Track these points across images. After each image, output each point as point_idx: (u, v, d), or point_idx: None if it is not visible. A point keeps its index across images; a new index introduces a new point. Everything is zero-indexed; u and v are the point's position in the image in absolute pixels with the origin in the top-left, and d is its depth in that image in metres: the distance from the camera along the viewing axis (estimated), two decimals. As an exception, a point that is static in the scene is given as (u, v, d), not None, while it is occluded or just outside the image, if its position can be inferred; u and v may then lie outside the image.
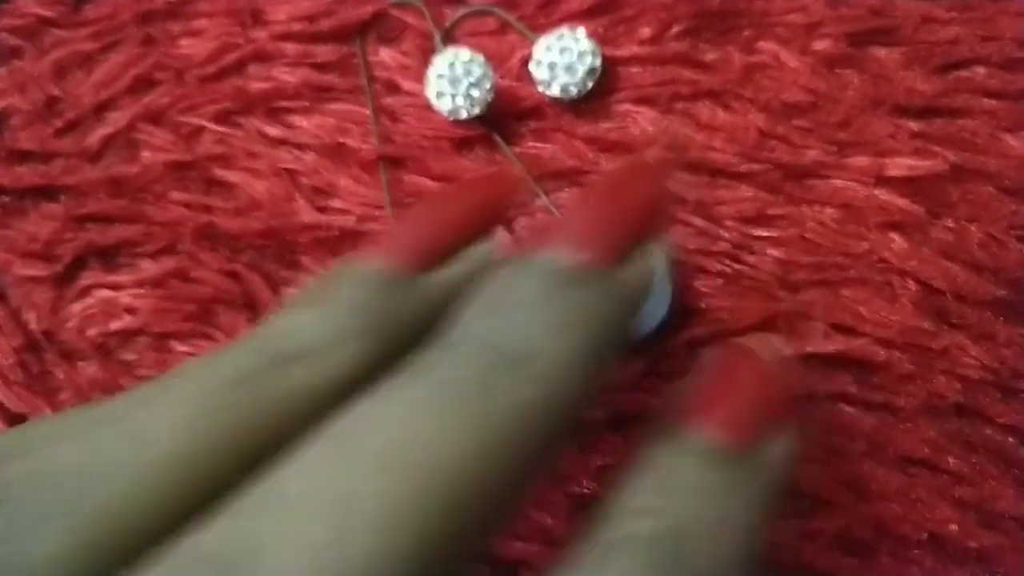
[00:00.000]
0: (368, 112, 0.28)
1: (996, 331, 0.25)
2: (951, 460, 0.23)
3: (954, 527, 0.23)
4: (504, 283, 0.15)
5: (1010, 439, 0.24)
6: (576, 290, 0.14)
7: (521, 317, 0.14)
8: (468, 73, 0.26)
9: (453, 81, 0.26)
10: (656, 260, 0.16)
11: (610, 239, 0.15)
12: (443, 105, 0.26)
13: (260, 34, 0.29)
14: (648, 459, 0.15)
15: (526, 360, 0.13)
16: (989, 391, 0.24)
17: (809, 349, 0.24)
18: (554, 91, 0.27)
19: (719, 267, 0.26)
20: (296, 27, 0.29)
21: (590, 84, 0.27)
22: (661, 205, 0.16)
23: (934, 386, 0.24)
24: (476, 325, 0.14)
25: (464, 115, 0.26)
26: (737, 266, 0.26)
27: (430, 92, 0.26)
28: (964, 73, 0.28)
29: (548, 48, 0.26)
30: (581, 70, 0.26)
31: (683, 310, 0.25)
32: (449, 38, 0.29)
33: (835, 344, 0.24)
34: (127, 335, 0.26)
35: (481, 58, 0.26)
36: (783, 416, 0.16)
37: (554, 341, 0.14)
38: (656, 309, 0.24)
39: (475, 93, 0.26)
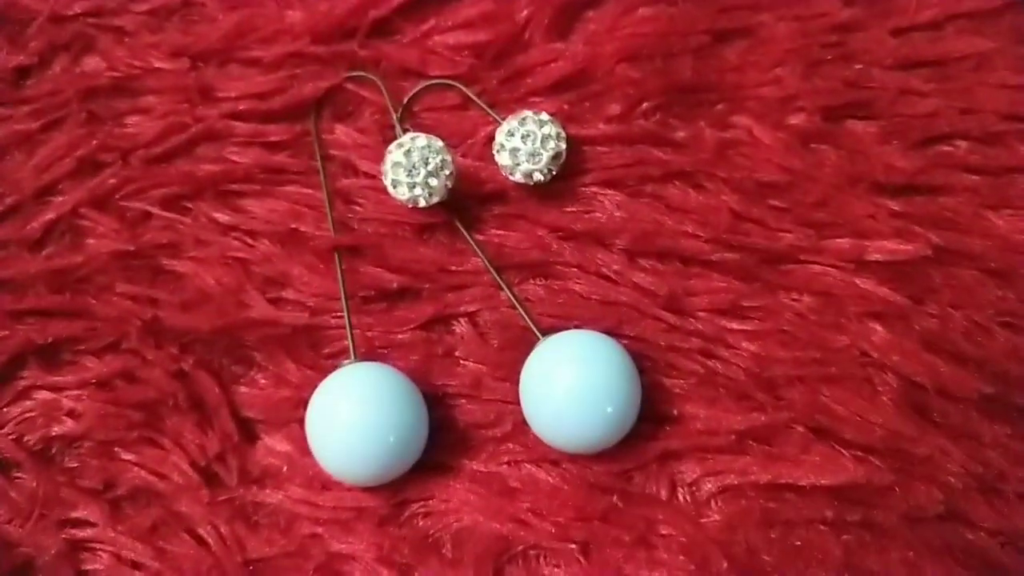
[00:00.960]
0: (321, 196, 0.27)
1: (981, 431, 0.24)
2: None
3: None
4: None
5: (993, 541, 0.23)
6: None
7: None
8: (425, 162, 0.25)
9: (410, 170, 0.24)
10: None
11: None
12: (399, 194, 0.25)
13: (210, 112, 0.28)
14: None
15: None
16: (972, 496, 0.23)
17: (786, 480, 0.23)
18: (517, 177, 0.25)
19: (692, 365, 0.24)
20: (247, 105, 0.28)
21: (555, 170, 0.25)
22: None
23: (914, 497, 0.23)
24: None
25: (422, 204, 0.25)
26: (711, 363, 0.24)
27: (386, 180, 0.25)
28: (944, 148, 0.27)
29: (510, 133, 0.25)
30: (545, 156, 0.25)
31: (655, 416, 0.24)
32: (408, 114, 0.28)
33: (813, 471, 0.23)
34: (69, 441, 0.25)
35: (439, 144, 0.25)
36: None
37: None
38: None
39: (433, 182, 0.25)
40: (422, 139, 0.25)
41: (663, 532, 0.23)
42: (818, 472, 0.23)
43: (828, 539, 0.23)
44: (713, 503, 0.23)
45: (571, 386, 0.22)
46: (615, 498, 0.23)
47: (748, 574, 0.22)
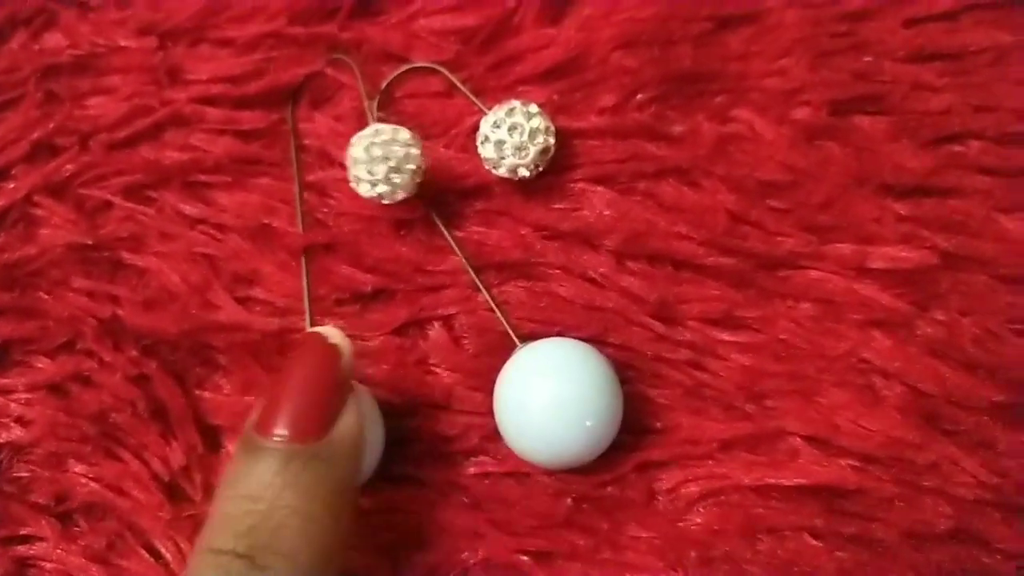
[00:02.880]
0: (295, 189, 0.25)
1: (995, 438, 0.22)
2: None
3: None
4: (244, 471, 0.18)
5: (1013, 565, 0.21)
6: (303, 462, 0.18)
7: (260, 503, 0.17)
8: (385, 158, 0.23)
9: (370, 167, 0.23)
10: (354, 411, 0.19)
11: (320, 418, 0.19)
12: (362, 191, 0.23)
13: (178, 95, 0.26)
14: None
15: (271, 546, 0.17)
16: (987, 512, 0.22)
17: (770, 480, 0.22)
18: (502, 172, 0.24)
19: (678, 376, 0.23)
20: (219, 89, 0.26)
21: (542, 166, 0.24)
22: (344, 376, 0.20)
23: (920, 511, 0.22)
24: (225, 517, 0.18)
25: (387, 201, 0.23)
26: (699, 374, 0.23)
27: (349, 176, 0.23)
28: (957, 147, 0.25)
29: (496, 125, 0.23)
30: (533, 151, 0.23)
31: (637, 427, 0.23)
32: (388, 100, 0.26)
33: (800, 472, 0.22)
34: (17, 449, 0.23)
35: (405, 135, 0.23)
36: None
37: (298, 518, 0.18)
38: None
39: (396, 179, 0.23)
40: (386, 131, 0.23)
41: (634, 534, 0.22)
42: (806, 474, 0.22)
43: (820, 553, 0.21)
44: (693, 509, 0.22)
45: (549, 398, 0.21)
46: (585, 506, 0.22)
47: None
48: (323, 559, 0.18)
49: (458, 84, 0.26)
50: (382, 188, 0.23)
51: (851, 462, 0.22)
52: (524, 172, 0.24)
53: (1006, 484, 0.22)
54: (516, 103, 0.23)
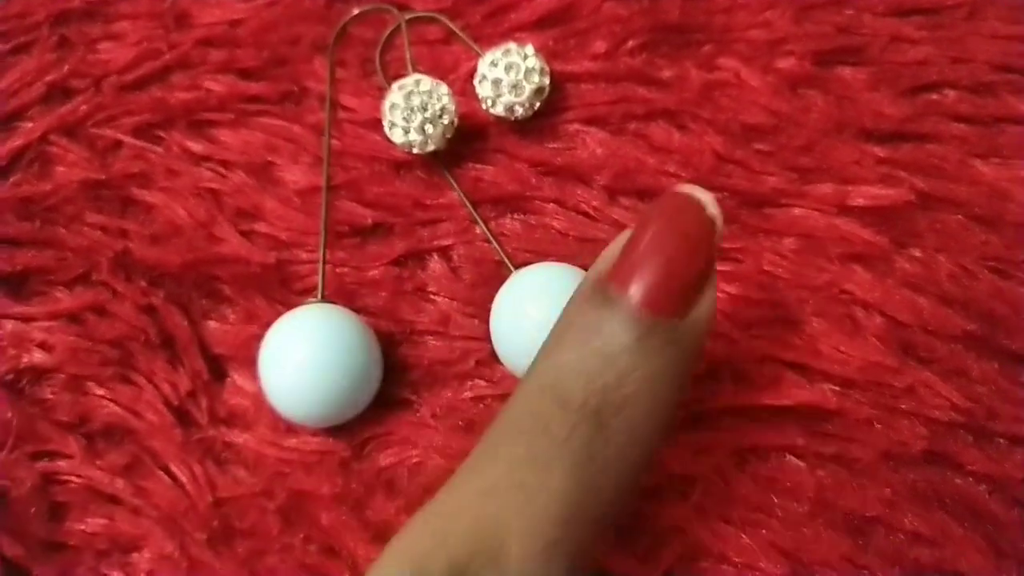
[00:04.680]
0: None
1: (968, 366, 0.23)
2: (908, 518, 0.22)
3: None
4: (594, 324, 0.17)
5: (982, 487, 0.22)
6: (660, 340, 0.16)
7: (615, 367, 0.16)
8: (424, 107, 0.24)
9: (408, 114, 0.24)
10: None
11: (685, 295, 0.17)
12: (395, 137, 0.24)
13: (184, 39, 0.27)
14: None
15: (620, 413, 0.16)
16: (959, 435, 0.23)
17: (751, 402, 0.23)
18: (498, 110, 0.25)
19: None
20: (224, 31, 0.27)
21: (537, 104, 0.25)
22: (715, 253, 0.17)
23: (896, 431, 0.23)
24: (570, 365, 0.16)
25: (416, 150, 0.24)
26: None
27: (384, 121, 0.24)
28: (933, 96, 0.26)
29: (493, 64, 0.24)
30: (528, 89, 0.24)
31: None
32: (387, 47, 0.27)
33: (783, 394, 0.23)
34: (40, 373, 0.24)
35: (445, 90, 0.24)
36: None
37: (646, 394, 0.16)
38: None
39: (430, 129, 0.24)
40: (427, 83, 0.24)
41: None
42: (788, 396, 0.22)
43: (801, 472, 0.22)
44: (680, 429, 0.23)
45: (542, 318, 0.22)
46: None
47: (719, 501, 0.22)
48: (653, 442, 0.17)
49: (456, 31, 0.27)
50: (415, 137, 0.24)
51: (831, 386, 0.23)
52: (519, 110, 0.25)
53: (978, 409, 0.23)
54: (512, 44, 0.24)
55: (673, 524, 0.22)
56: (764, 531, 0.21)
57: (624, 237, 0.18)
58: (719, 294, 0.24)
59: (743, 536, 0.21)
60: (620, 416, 0.16)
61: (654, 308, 0.16)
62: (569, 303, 0.18)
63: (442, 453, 0.23)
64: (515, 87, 0.24)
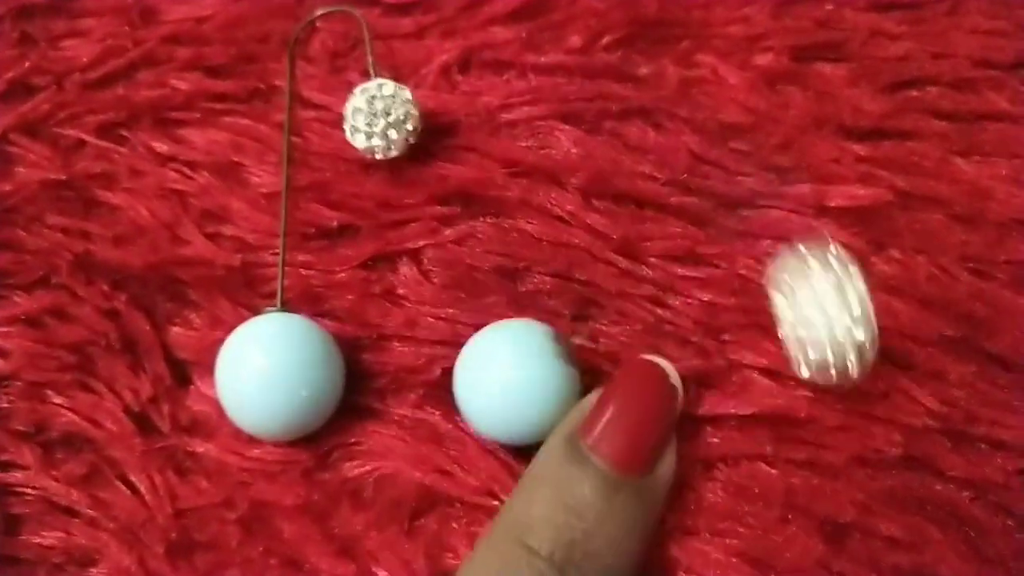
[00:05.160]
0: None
1: (946, 370, 0.23)
2: (885, 523, 0.21)
3: None
4: (564, 480, 0.19)
5: (964, 494, 0.22)
6: (626, 496, 0.19)
7: (583, 522, 0.18)
8: (387, 113, 0.23)
9: (370, 119, 0.23)
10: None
11: (650, 457, 0.19)
12: (357, 142, 0.24)
13: (151, 35, 0.26)
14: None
15: (585, 565, 0.18)
16: (937, 440, 0.22)
17: (718, 411, 0.22)
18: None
19: (640, 312, 0.23)
20: (190, 28, 0.26)
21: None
22: (675, 416, 0.20)
23: (870, 439, 0.22)
24: (541, 518, 0.18)
25: (379, 156, 0.24)
26: (660, 311, 0.23)
27: (345, 125, 0.24)
28: (914, 92, 0.26)
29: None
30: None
31: (593, 365, 0.23)
32: (358, 42, 0.27)
33: (753, 402, 0.22)
34: (-3, 379, 0.24)
35: (406, 95, 0.24)
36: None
37: (611, 549, 0.18)
38: None
39: (392, 134, 0.23)
40: (389, 87, 0.23)
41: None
42: (758, 403, 0.22)
43: (773, 479, 0.22)
44: None
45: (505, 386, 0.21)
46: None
47: (686, 513, 0.21)
48: None
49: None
50: (377, 142, 0.23)
51: (803, 392, 0.22)
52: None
53: (955, 413, 0.22)
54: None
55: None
56: (734, 540, 0.21)
57: (593, 397, 0.20)
58: (692, 301, 0.23)
59: (710, 549, 0.21)
60: (581, 571, 0.18)
61: (622, 468, 0.19)
62: (541, 455, 0.20)
63: (411, 463, 0.22)
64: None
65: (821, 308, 0.20)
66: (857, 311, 0.19)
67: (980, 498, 0.22)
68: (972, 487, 0.22)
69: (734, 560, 0.21)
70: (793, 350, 0.20)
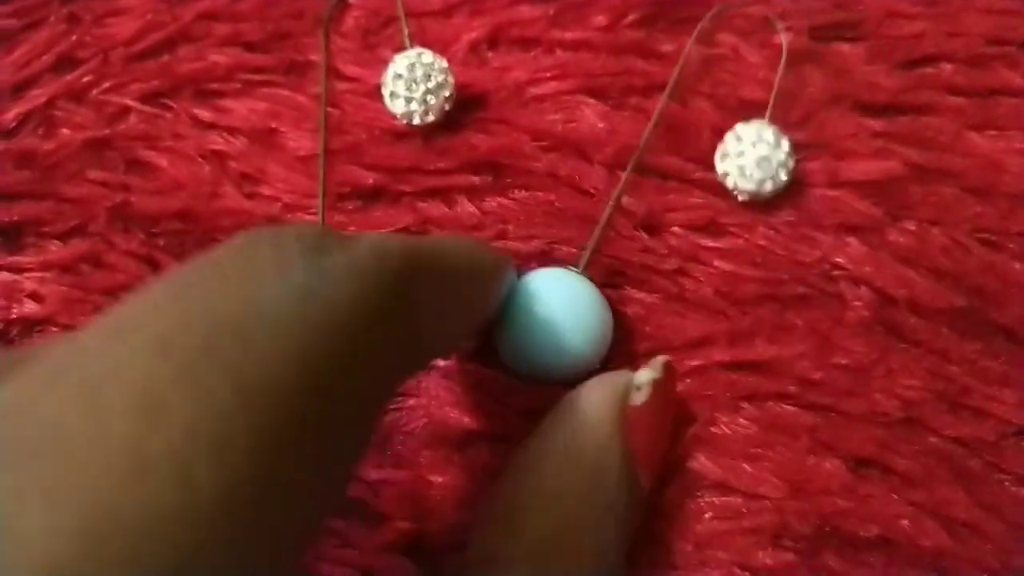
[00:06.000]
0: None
1: (948, 347, 0.23)
2: (901, 462, 0.22)
3: (906, 522, 0.21)
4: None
5: (959, 450, 0.22)
6: None
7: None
8: (427, 78, 0.24)
9: (410, 84, 0.25)
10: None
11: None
12: (396, 107, 0.25)
13: (187, 12, 0.27)
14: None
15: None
16: (934, 404, 0.23)
17: (750, 358, 0.23)
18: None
19: (663, 282, 0.24)
20: (225, 5, 0.28)
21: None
22: None
23: (872, 404, 0.23)
24: None
25: (417, 121, 0.25)
26: (682, 280, 0.24)
27: (384, 91, 0.25)
28: (929, 69, 0.27)
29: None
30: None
31: (621, 327, 0.24)
32: (388, 18, 0.28)
33: (769, 351, 0.23)
34: (31, 324, 0.24)
35: (444, 64, 0.25)
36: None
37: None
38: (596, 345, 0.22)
39: (431, 100, 0.25)
40: (428, 55, 0.25)
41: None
42: (778, 349, 0.23)
43: (797, 415, 0.23)
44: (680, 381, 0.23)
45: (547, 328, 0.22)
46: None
47: (717, 438, 0.22)
48: None
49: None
50: (416, 107, 0.25)
51: (811, 363, 0.23)
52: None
53: (950, 388, 0.23)
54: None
55: (670, 459, 0.22)
56: (766, 463, 0.22)
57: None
58: (712, 270, 0.24)
59: (745, 465, 0.22)
60: None
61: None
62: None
63: (459, 410, 0.23)
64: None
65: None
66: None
67: (975, 454, 0.23)
68: (965, 445, 0.23)
69: (767, 476, 0.21)
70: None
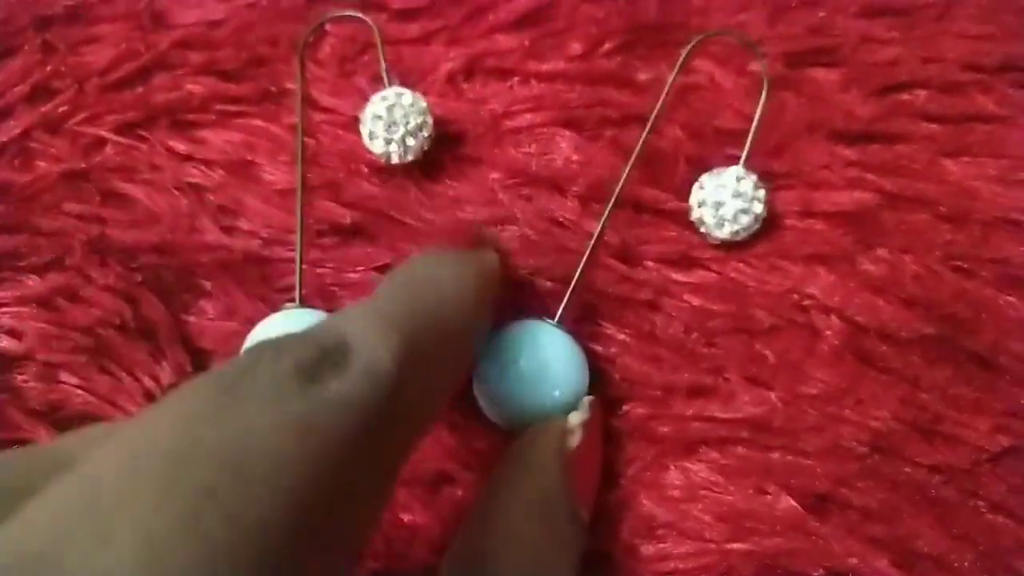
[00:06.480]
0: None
1: (920, 375, 0.23)
2: (860, 496, 0.22)
3: (855, 560, 0.22)
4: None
5: (934, 478, 0.23)
6: None
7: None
8: (406, 120, 0.24)
9: (389, 126, 0.25)
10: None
11: None
12: (375, 147, 0.25)
13: (163, 39, 0.27)
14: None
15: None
16: (907, 433, 0.23)
17: (708, 414, 0.23)
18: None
19: (634, 318, 0.24)
20: (201, 33, 0.27)
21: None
22: None
23: (838, 440, 0.23)
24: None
25: (395, 160, 0.25)
26: (652, 316, 0.24)
27: (363, 130, 0.25)
28: (904, 96, 0.27)
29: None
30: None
31: (595, 369, 0.24)
32: (366, 46, 0.27)
33: (735, 409, 0.23)
34: (9, 360, 0.24)
35: (423, 104, 0.25)
36: None
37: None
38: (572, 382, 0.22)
39: (410, 142, 0.25)
40: (408, 96, 0.25)
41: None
42: (738, 410, 0.23)
43: (751, 454, 0.23)
44: (640, 428, 0.23)
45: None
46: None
47: (662, 482, 0.23)
48: None
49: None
50: (395, 147, 0.25)
51: (780, 394, 0.23)
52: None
53: (922, 416, 0.23)
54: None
55: (619, 499, 0.23)
56: (715, 506, 0.22)
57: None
58: (683, 304, 0.24)
59: (691, 508, 0.22)
60: None
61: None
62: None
63: (433, 454, 0.23)
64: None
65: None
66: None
67: (950, 482, 0.23)
68: (940, 472, 0.23)
69: (710, 519, 0.22)
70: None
